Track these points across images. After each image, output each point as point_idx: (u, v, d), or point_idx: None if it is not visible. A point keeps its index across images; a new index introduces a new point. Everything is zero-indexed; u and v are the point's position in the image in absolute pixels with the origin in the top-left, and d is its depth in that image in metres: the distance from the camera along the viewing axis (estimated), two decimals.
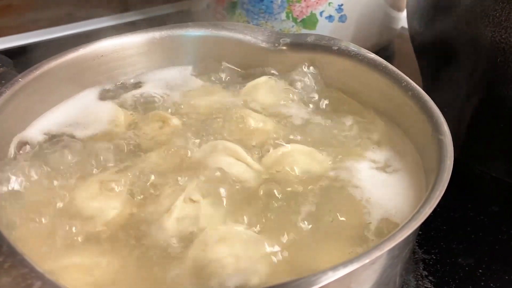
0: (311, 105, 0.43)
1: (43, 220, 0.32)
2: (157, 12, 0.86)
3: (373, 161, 0.37)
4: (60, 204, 0.33)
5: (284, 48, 0.45)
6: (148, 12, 0.86)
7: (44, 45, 0.74)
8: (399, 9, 0.73)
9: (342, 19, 0.66)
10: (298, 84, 0.44)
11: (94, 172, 0.36)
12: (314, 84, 0.44)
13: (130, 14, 0.85)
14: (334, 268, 0.23)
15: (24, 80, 0.37)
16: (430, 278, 0.41)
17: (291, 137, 0.39)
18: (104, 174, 0.36)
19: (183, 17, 0.82)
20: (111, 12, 0.85)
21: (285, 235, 0.31)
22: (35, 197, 0.33)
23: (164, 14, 0.85)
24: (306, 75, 0.44)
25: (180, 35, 0.45)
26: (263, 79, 0.44)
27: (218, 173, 0.34)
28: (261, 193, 0.34)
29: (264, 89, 0.43)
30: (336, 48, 0.43)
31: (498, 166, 0.50)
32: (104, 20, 0.83)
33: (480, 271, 0.41)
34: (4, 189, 0.33)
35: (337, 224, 0.32)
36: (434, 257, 0.42)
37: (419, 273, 0.41)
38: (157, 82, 0.44)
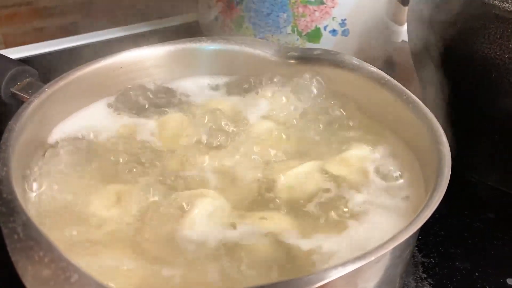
0: (315, 115, 0.45)
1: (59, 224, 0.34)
2: (164, 24, 0.87)
3: (376, 169, 0.39)
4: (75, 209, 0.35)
5: (292, 61, 0.48)
6: (155, 24, 0.88)
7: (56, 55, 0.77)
8: (400, 23, 0.75)
9: (345, 33, 0.68)
10: (303, 94, 0.47)
11: (108, 177, 0.38)
12: (317, 95, 0.47)
13: (138, 26, 0.87)
14: (344, 264, 0.25)
15: (50, 89, 0.39)
16: (429, 280, 0.43)
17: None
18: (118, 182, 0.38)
19: (190, 29, 0.84)
20: (117, 22, 0.88)
21: None
22: (54, 201, 0.36)
23: (172, 26, 0.87)
24: (310, 86, 0.47)
25: (194, 49, 0.48)
26: (270, 91, 0.47)
27: None
28: None
29: (272, 99, 0.46)
30: (341, 62, 0.46)
31: (493, 176, 0.53)
32: (111, 32, 0.85)
33: (476, 274, 0.44)
34: (32, 193, 0.35)
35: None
36: (433, 261, 0.45)
37: (418, 276, 0.43)
38: (174, 92, 0.47)
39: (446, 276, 0.43)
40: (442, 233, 0.48)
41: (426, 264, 0.44)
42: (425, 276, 0.43)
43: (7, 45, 0.81)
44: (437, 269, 0.44)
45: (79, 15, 0.86)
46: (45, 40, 0.82)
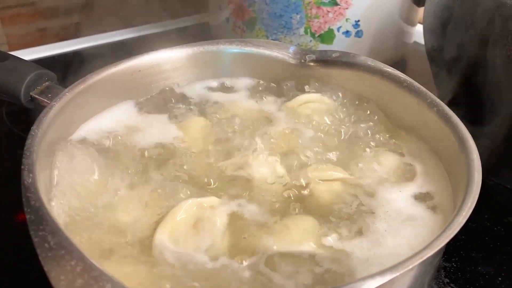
0: (339, 120, 0.45)
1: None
2: (175, 25, 0.87)
3: (402, 176, 0.39)
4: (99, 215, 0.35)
5: (311, 64, 0.47)
6: (162, 25, 0.87)
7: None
8: (412, 24, 0.75)
9: (359, 34, 0.68)
10: (326, 98, 0.46)
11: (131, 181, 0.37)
12: (340, 99, 0.46)
13: (145, 28, 0.87)
14: (381, 273, 0.25)
15: (70, 93, 0.39)
16: (452, 285, 0.42)
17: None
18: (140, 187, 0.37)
19: (201, 30, 0.84)
20: (123, 23, 0.87)
21: None
22: (76, 207, 0.35)
23: (182, 27, 0.87)
24: (337, 92, 0.46)
25: (212, 51, 0.47)
26: (306, 96, 0.46)
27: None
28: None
29: (307, 105, 0.45)
30: (360, 64, 0.45)
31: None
32: (125, 32, 0.85)
33: (500, 279, 0.43)
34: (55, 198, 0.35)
35: None
36: (455, 265, 0.44)
37: (441, 280, 0.43)
38: (192, 95, 0.46)
39: (469, 281, 0.43)
40: (463, 237, 0.47)
41: (448, 268, 0.44)
42: (448, 281, 0.43)
43: (10, 45, 0.81)
44: (459, 273, 0.43)
45: (83, 16, 0.86)
46: (47, 40, 0.82)
